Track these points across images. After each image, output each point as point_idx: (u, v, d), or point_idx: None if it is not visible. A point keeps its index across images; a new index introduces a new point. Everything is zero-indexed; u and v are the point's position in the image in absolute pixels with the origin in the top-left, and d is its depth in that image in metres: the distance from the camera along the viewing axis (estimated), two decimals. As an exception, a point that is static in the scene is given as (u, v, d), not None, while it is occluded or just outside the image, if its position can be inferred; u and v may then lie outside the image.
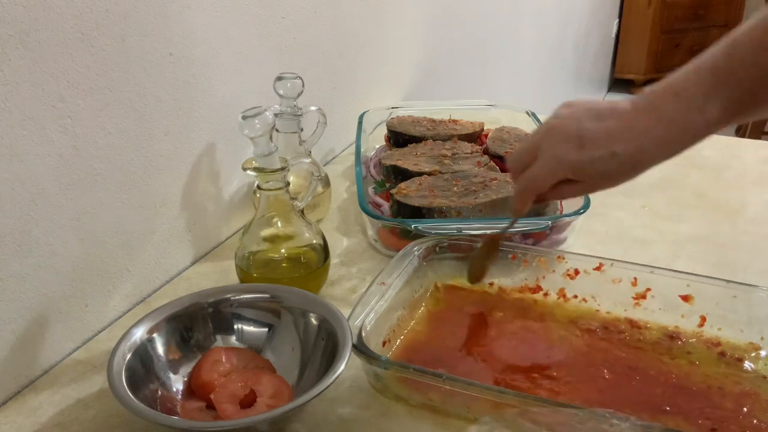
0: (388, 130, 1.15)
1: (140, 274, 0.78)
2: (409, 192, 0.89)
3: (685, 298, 0.70)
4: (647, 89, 0.59)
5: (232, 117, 0.85)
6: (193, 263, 0.86)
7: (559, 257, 0.77)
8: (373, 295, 0.68)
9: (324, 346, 0.63)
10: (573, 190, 0.63)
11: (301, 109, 0.88)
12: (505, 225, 0.73)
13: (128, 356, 0.59)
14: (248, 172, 0.71)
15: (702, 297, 0.70)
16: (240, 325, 0.67)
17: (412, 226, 0.80)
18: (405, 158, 1.01)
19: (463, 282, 0.78)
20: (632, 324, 0.72)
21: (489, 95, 1.54)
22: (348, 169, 1.13)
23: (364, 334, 0.62)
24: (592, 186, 0.62)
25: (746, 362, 0.67)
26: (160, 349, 0.63)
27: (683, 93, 0.56)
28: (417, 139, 1.09)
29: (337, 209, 1.00)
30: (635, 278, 0.73)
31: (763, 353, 0.67)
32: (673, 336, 0.70)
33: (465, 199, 0.87)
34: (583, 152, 0.59)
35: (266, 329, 0.67)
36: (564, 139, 0.60)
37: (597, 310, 0.74)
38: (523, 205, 0.65)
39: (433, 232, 0.80)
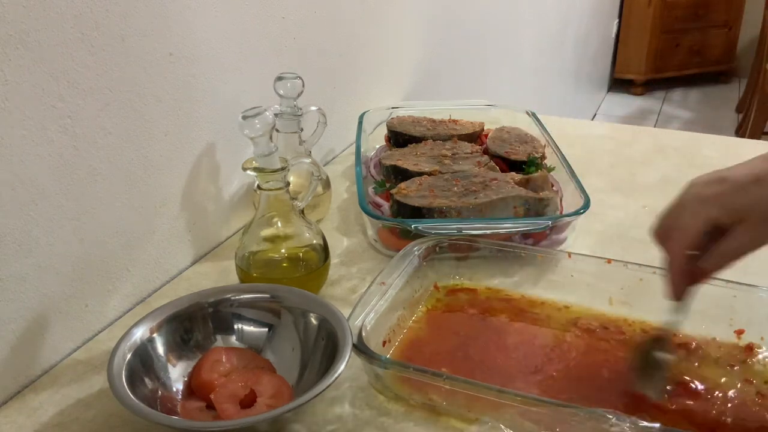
0: (388, 130, 1.15)
1: (140, 274, 0.78)
2: (409, 192, 0.89)
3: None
4: None
5: (232, 117, 0.85)
6: (193, 263, 0.86)
7: (558, 257, 0.77)
8: (373, 295, 0.68)
9: (324, 346, 0.63)
10: (736, 243, 0.55)
11: (301, 109, 0.88)
12: (672, 317, 0.61)
13: (128, 356, 0.59)
14: (248, 172, 0.71)
15: (702, 297, 0.70)
16: (240, 325, 0.67)
17: (412, 226, 0.80)
18: (405, 158, 1.01)
19: (462, 282, 0.78)
20: (632, 324, 0.72)
21: (489, 95, 1.54)
22: (348, 169, 1.13)
23: (364, 334, 0.62)
24: (754, 228, 0.54)
25: (746, 363, 0.67)
26: (160, 349, 0.63)
27: None
28: (417, 139, 1.09)
29: (337, 209, 1.00)
30: (635, 278, 0.73)
31: (763, 353, 0.67)
32: (673, 337, 0.70)
33: (465, 199, 0.87)
34: (726, 183, 0.55)
35: (266, 329, 0.67)
36: (704, 183, 0.56)
37: (597, 310, 0.74)
38: (676, 272, 0.58)
39: (433, 232, 0.80)
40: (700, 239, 0.56)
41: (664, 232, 0.58)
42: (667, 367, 0.63)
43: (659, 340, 0.64)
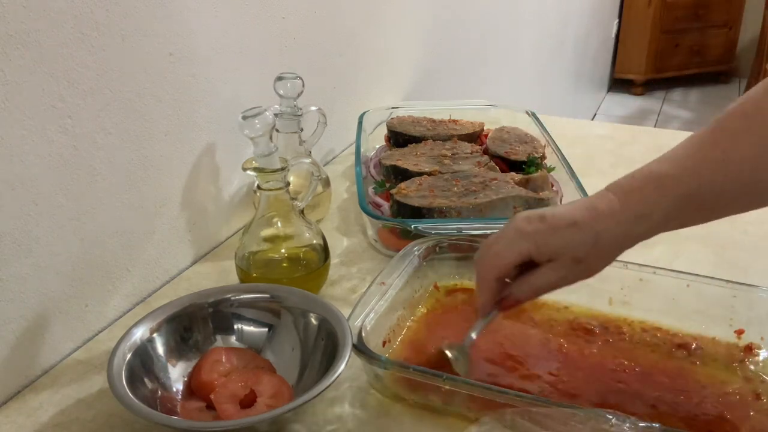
0: (388, 130, 1.15)
1: (140, 274, 0.78)
2: (409, 192, 0.89)
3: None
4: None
5: (232, 117, 0.85)
6: (193, 263, 0.86)
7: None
8: (373, 295, 0.68)
9: (324, 346, 0.63)
10: (545, 277, 0.58)
11: (301, 109, 0.88)
12: (473, 327, 0.63)
13: (128, 356, 0.59)
14: (248, 172, 0.71)
15: (702, 297, 0.70)
16: (240, 325, 0.67)
17: (412, 226, 0.80)
18: (405, 158, 1.01)
19: (462, 282, 0.78)
20: (632, 324, 0.72)
21: (489, 95, 1.54)
22: (348, 169, 1.13)
23: (364, 334, 0.62)
24: (563, 267, 0.58)
25: (746, 363, 0.67)
26: (160, 349, 0.63)
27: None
28: (417, 139, 1.09)
29: (337, 209, 1.00)
30: (635, 278, 0.73)
31: (763, 353, 0.67)
32: (673, 336, 0.70)
33: (465, 199, 0.87)
34: (545, 222, 0.57)
35: (266, 329, 0.67)
36: (526, 219, 0.59)
37: (597, 310, 0.73)
38: (486, 295, 0.61)
39: (433, 232, 0.80)
40: (511, 269, 0.59)
41: (482, 257, 0.61)
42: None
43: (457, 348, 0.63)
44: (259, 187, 0.73)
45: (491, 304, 0.61)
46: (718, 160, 0.54)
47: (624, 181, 0.58)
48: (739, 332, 0.69)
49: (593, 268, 0.59)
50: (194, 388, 0.62)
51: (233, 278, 0.79)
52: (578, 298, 0.75)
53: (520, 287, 0.60)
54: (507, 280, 0.60)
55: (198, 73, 0.81)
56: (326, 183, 0.95)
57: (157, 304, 0.69)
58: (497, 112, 1.21)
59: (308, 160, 0.77)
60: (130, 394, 0.55)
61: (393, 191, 0.90)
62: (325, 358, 0.61)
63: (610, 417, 0.52)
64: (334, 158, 1.19)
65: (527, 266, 0.59)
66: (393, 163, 0.99)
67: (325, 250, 0.77)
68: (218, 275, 0.83)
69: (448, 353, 0.62)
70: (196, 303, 0.66)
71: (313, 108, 0.91)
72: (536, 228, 0.58)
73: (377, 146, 1.15)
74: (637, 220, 0.56)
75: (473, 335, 0.62)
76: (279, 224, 0.75)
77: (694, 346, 0.69)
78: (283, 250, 0.78)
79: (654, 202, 0.56)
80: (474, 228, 0.80)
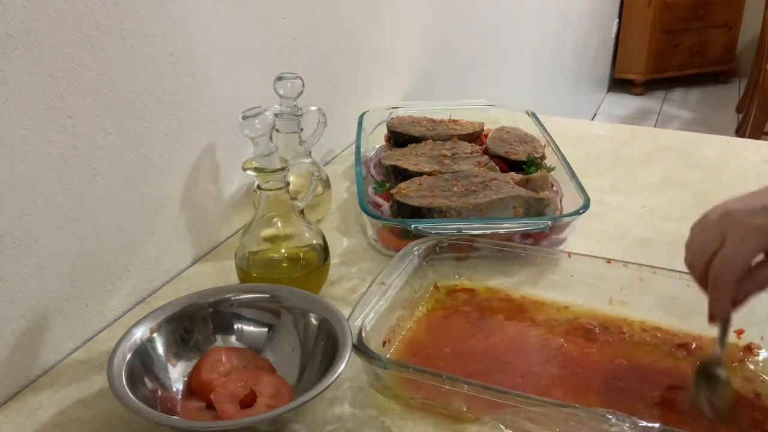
0: (388, 130, 1.15)
1: (140, 274, 0.78)
2: (409, 192, 0.89)
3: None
4: None
5: (232, 117, 0.85)
6: (193, 263, 0.86)
7: (558, 257, 0.77)
8: (373, 295, 0.68)
9: (324, 346, 0.63)
10: None
11: (301, 109, 0.88)
12: (720, 338, 0.60)
13: (128, 356, 0.59)
14: (248, 172, 0.71)
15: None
16: (240, 325, 0.67)
17: (412, 226, 0.80)
18: (405, 158, 1.01)
19: (462, 282, 0.78)
20: (632, 324, 0.72)
21: (489, 95, 1.54)
22: (348, 169, 1.13)
23: (364, 334, 0.62)
24: None
25: (746, 363, 0.67)
26: (160, 349, 0.63)
27: None
28: (417, 139, 1.09)
29: (337, 209, 1.00)
30: (635, 278, 0.73)
31: (763, 353, 0.67)
32: (673, 336, 0.70)
33: (465, 199, 0.87)
34: None
35: (266, 329, 0.67)
36: (747, 212, 0.56)
37: (597, 310, 0.74)
38: (722, 301, 0.58)
39: (433, 232, 0.80)
40: (748, 267, 0.56)
41: (704, 262, 0.58)
42: (727, 385, 0.62)
43: (715, 361, 0.62)
44: (259, 187, 0.73)
45: (729, 307, 0.59)
46: None
47: None
48: (739, 332, 0.69)
49: None
50: (194, 388, 0.62)
51: (233, 278, 0.79)
52: (578, 298, 0.75)
53: (756, 282, 0.57)
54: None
55: (198, 73, 0.81)
56: (326, 183, 0.95)
57: (157, 304, 0.69)
58: (497, 112, 1.21)
59: (308, 160, 0.77)
60: (130, 394, 0.55)
61: (393, 191, 0.90)
62: (325, 358, 0.61)
63: (610, 417, 0.52)
64: (334, 158, 1.19)
65: None
66: (393, 163, 0.99)
67: (325, 250, 0.77)
68: (218, 275, 0.83)
69: (720, 372, 0.60)
70: (196, 303, 0.66)
71: (313, 108, 0.91)
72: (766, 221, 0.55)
73: (377, 146, 1.15)
74: None
75: (724, 344, 0.60)
76: (279, 224, 0.76)
77: (694, 346, 0.69)
78: (283, 250, 0.78)
79: None
80: (474, 228, 0.80)
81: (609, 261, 0.75)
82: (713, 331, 0.69)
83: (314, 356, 0.63)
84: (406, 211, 0.87)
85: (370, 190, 0.97)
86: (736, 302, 0.59)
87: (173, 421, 0.56)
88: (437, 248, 0.78)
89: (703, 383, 0.62)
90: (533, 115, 1.17)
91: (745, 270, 0.56)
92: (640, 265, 0.73)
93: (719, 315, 0.59)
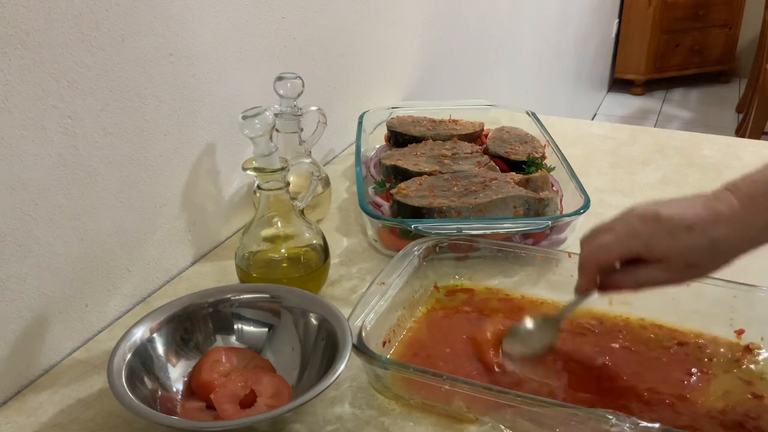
0: (388, 130, 1.15)
1: (140, 274, 0.78)
2: (409, 192, 0.89)
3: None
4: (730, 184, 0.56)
5: (232, 117, 0.86)
6: (193, 263, 0.86)
7: (558, 257, 0.77)
8: (373, 295, 0.68)
9: (324, 346, 0.63)
10: (651, 276, 0.58)
11: (301, 109, 0.88)
12: (569, 303, 0.66)
13: (128, 356, 0.59)
14: (248, 172, 0.71)
15: (702, 297, 0.70)
16: (240, 325, 0.67)
17: (412, 226, 0.80)
18: (405, 158, 1.01)
19: (462, 282, 0.78)
20: (632, 324, 0.72)
21: (489, 95, 1.54)
22: (348, 169, 1.13)
23: (364, 334, 0.62)
24: (672, 269, 0.57)
25: (746, 363, 0.67)
26: (160, 349, 0.63)
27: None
28: (417, 139, 1.09)
29: (337, 209, 1.00)
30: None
31: (763, 353, 0.67)
32: (673, 336, 0.70)
33: (465, 199, 0.87)
34: (659, 224, 0.56)
35: (266, 329, 0.67)
36: (640, 218, 0.58)
37: (597, 310, 0.73)
38: (586, 278, 0.62)
39: (433, 232, 0.80)
40: (615, 262, 0.60)
41: (590, 244, 0.62)
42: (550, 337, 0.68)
43: (549, 319, 0.69)
44: (259, 187, 0.73)
45: (591, 286, 0.63)
46: None
47: (744, 184, 0.55)
48: (739, 332, 0.69)
49: (705, 271, 0.57)
50: (194, 388, 0.62)
51: (233, 278, 0.79)
52: (578, 298, 0.75)
53: (625, 277, 0.60)
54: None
55: (198, 73, 0.81)
56: (326, 183, 0.95)
57: (157, 304, 0.69)
58: (497, 112, 1.21)
59: (308, 160, 0.77)
60: (130, 394, 0.55)
61: (393, 191, 0.90)
62: (325, 358, 0.61)
63: (610, 417, 0.52)
64: (334, 158, 1.19)
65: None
66: (393, 163, 0.99)
67: (325, 250, 0.77)
68: (218, 275, 0.84)
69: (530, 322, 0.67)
70: (196, 303, 0.66)
71: (313, 108, 0.91)
72: (650, 230, 0.57)
73: (377, 146, 1.15)
74: (765, 229, 0.54)
75: (569, 308, 0.66)
76: (279, 224, 0.76)
77: (693, 345, 0.69)
78: (283, 250, 0.78)
79: None
80: (474, 228, 0.80)
81: (609, 261, 0.75)
82: (713, 331, 0.69)
83: (314, 356, 0.63)
84: (406, 211, 0.87)
85: (370, 190, 0.97)
86: (602, 286, 0.63)
87: (173, 421, 0.56)
88: (437, 248, 0.78)
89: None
90: (533, 115, 1.17)
91: (608, 262, 0.60)
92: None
93: (577, 287, 0.65)
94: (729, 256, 0.56)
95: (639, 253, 0.58)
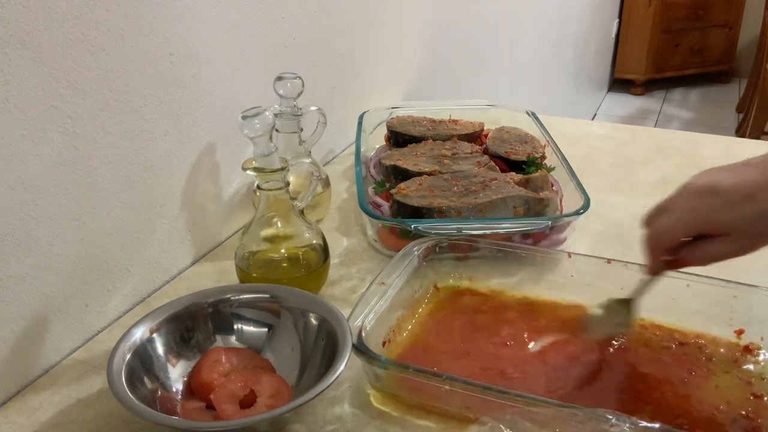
0: (388, 130, 1.14)
1: (140, 274, 0.78)
2: (409, 192, 0.89)
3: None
4: None
5: (232, 117, 0.85)
6: (193, 263, 0.86)
7: (558, 257, 0.77)
8: (373, 295, 0.68)
9: (324, 346, 0.63)
10: (719, 250, 0.57)
11: (301, 109, 0.88)
12: (641, 284, 0.66)
13: (128, 356, 0.59)
14: (248, 172, 0.71)
15: (702, 297, 0.70)
16: (240, 325, 0.67)
17: (412, 226, 0.80)
18: (405, 158, 1.01)
19: (462, 282, 0.78)
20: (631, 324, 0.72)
21: (489, 95, 1.54)
22: (348, 169, 1.13)
23: (364, 334, 0.62)
24: (739, 241, 0.56)
25: (746, 363, 0.66)
26: (160, 349, 0.63)
27: None
28: (417, 139, 1.09)
29: (337, 209, 1.00)
30: (635, 278, 0.73)
31: (763, 353, 0.67)
32: (672, 337, 0.70)
33: (465, 199, 0.87)
34: (719, 197, 0.55)
35: (266, 329, 0.67)
36: (697, 193, 0.57)
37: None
38: (654, 260, 0.62)
39: (433, 232, 0.80)
40: (680, 241, 0.59)
41: (653, 227, 0.61)
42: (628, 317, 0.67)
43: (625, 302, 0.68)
44: (259, 187, 0.73)
45: (660, 268, 0.63)
46: None
47: None
48: (739, 332, 0.69)
49: None
50: (194, 388, 0.62)
51: (233, 278, 0.79)
52: (578, 298, 0.75)
53: (693, 254, 0.59)
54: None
55: (198, 73, 0.81)
56: (326, 183, 0.95)
57: (157, 304, 0.69)
58: (497, 112, 1.21)
59: (308, 160, 0.77)
60: (130, 394, 0.55)
61: (393, 191, 0.90)
62: (325, 358, 0.61)
63: (610, 417, 0.52)
64: (334, 158, 1.19)
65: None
66: (393, 163, 0.99)
67: (325, 250, 0.77)
68: (218, 275, 0.84)
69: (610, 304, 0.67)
70: (196, 303, 0.66)
71: (313, 108, 0.91)
72: (709, 205, 0.55)
73: (377, 146, 1.15)
74: None
75: (642, 289, 0.66)
76: (279, 224, 0.76)
77: (693, 345, 0.69)
78: (283, 250, 0.78)
79: None
80: (474, 228, 0.80)
81: (609, 261, 0.75)
82: (713, 331, 0.69)
83: (314, 356, 0.63)
84: (406, 211, 0.87)
85: (370, 190, 0.97)
86: (672, 264, 0.62)
87: (173, 421, 0.56)
88: (437, 248, 0.78)
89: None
90: (533, 115, 1.17)
91: (673, 243, 0.59)
92: (640, 265, 0.73)
93: (647, 269, 0.64)
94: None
95: (702, 230, 0.57)
